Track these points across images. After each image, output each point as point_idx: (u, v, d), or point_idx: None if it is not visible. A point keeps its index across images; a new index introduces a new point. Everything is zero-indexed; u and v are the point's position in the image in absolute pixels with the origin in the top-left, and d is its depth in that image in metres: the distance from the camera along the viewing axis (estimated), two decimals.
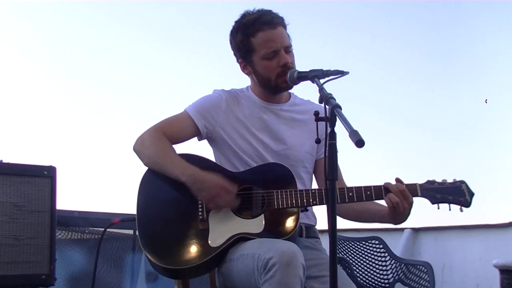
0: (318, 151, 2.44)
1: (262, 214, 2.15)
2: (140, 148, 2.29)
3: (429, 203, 2.20)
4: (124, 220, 2.77)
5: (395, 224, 2.22)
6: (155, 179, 2.24)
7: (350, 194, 2.15)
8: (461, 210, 2.19)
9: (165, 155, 2.25)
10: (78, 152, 5.92)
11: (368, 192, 2.16)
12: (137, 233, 2.19)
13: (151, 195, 2.24)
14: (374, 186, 2.18)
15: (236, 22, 2.38)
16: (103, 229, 3.61)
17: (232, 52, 2.43)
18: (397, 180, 2.18)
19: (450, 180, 2.22)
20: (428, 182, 2.21)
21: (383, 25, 6.60)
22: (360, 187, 2.17)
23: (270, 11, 2.35)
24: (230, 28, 2.40)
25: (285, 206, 2.15)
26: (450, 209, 2.20)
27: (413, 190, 2.17)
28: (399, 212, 2.14)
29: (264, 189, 2.18)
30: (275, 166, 2.27)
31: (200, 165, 2.24)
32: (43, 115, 6.07)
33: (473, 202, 2.19)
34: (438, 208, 2.20)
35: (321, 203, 2.18)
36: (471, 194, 2.19)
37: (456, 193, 2.19)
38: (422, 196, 2.19)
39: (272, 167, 2.27)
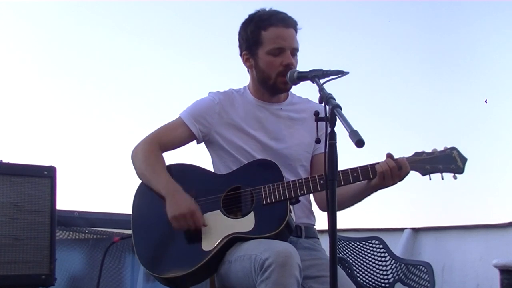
0: (314, 147, 2.42)
1: (252, 212, 2.15)
2: (134, 159, 2.36)
3: (419, 175, 2.12)
4: (123, 238, 2.87)
5: (385, 187, 2.14)
6: (148, 191, 2.29)
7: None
8: (455, 178, 2.09)
9: (152, 169, 2.29)
10: (78, 152, 5.92)
11: (355, 174, 2.11)
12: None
13: (145, 207, 2.30)
14: (360, 167, 2.11)
15: (250, 15, 2.37)
16: (103, 229, 3.65)
17: (238, 44, 2.40)
18: (388, 155, 2.13)
19: (440, 149, 2.13)
20: (416, 154, 2.13)
21: (383, 25, 6.59)
22: (346, 169, 2.11)
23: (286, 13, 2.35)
24: (243, 19, 2.38)
25: (273, 200, 2.14)
26: (442, 178, 2.11)
27: None
28: (387, 180, 2.09)
29: (252, 186, 2.18)
30: (260, 162, 2.26)
31: (190, 174, 2.30)
32: (43, 115, 6.07)
33: (466, 168, 2.08)
34: (430, 179, 2.11)
35: (308, 192, 2.17)
36: (464, 160, 2.09)
37: (446, 161, 2.09)
38: (411, 169, 2.11)
39: (258, 163, 2.26)
